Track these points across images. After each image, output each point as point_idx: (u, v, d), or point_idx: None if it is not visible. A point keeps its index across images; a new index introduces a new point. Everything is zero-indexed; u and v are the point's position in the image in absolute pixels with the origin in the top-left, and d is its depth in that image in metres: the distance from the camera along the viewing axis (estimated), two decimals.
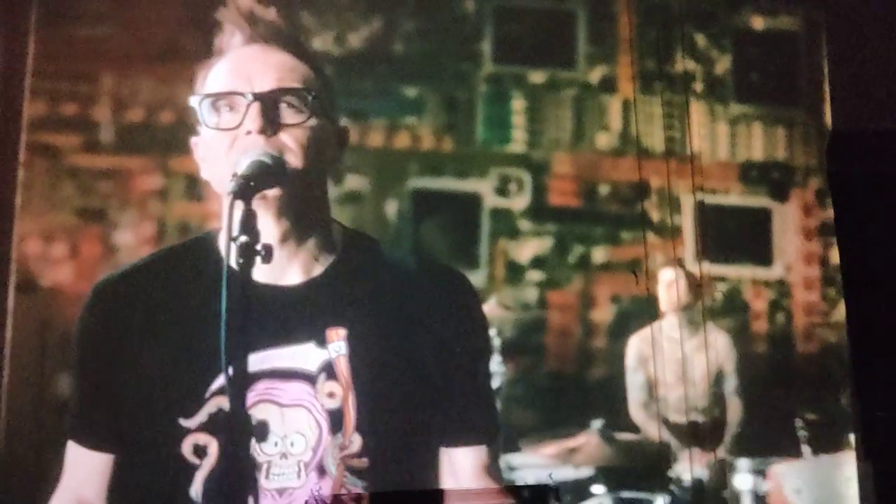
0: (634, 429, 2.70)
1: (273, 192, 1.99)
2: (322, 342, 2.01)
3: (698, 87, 3.01)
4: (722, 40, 3.04)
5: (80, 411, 2.11)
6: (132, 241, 2.69)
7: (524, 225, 2.89)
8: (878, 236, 2.71)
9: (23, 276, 2.64)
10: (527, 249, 2.87)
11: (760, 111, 3.01)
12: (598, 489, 2.50)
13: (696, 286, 2.78)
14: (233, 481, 1.42)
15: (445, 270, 2.48)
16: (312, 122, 2.12)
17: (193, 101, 2.21)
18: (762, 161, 2.98)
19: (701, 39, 3.05)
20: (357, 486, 2.00)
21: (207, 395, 1.97)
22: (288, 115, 2.10)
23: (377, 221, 2.81)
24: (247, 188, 1.76)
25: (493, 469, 2.13)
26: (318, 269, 2.10)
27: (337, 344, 2.01)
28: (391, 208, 2.84)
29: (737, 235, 2.92)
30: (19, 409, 2.49)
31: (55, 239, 2.71)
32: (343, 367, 2.01)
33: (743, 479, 2.54)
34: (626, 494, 2.51)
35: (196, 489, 1.96)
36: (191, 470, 1.98)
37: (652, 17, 3.04)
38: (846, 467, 2.43)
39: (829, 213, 2.95)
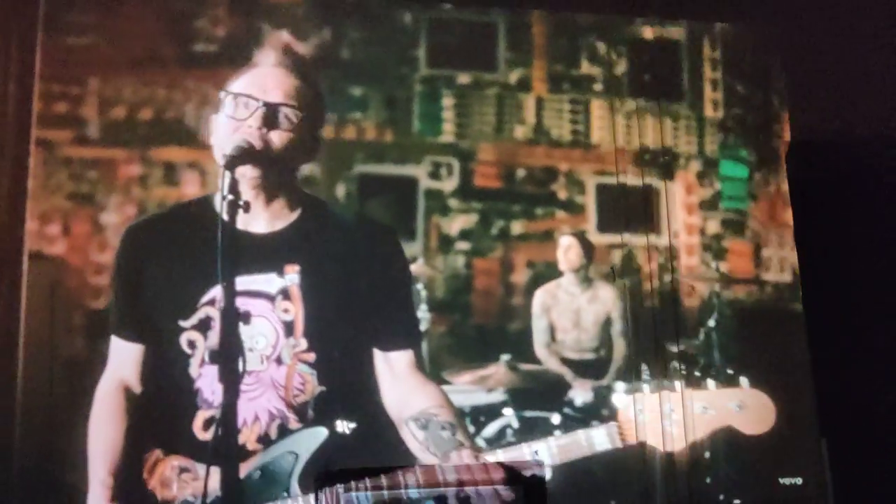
0: (538, 363, 3.22)
1: (251, 169, 2.54)
2: (281, 273, 2.65)
3: (599, 86, 3.50)
4: (619, 47, 3.52)
5: (118, 314, 2.76)
6: (117, 221, 3.08)
7: (453, 203, 3.35)
8: (833, 236, 2.92)
9: (32, 249, 3.05)
10: (456, 224, 3.34)
11: (651, 106, 3.48)
12: (507, 411, 3.03)
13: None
14: (227, 354, 1.93)
15: (377, 223, 3.10)
16: (297, 131, 2.73)
17: (222, 95, 2.79)
18: (652, 147, 3.45)
19: (601, 47, 3.52)
20: (306, 373, 2.64)
21: (199, 304, 2.63)
22: (283, 122, 2.69)
23: (329, 201, 3.20)
24: (232, 162, 2.29)
25: (420, 367, 2.76)
26: (282, 223, 2.73)
27: (292, 275, 2.64)
28: (340, 190, 3.28)
29: (632, 209, 3.40)
30: (34, 366, 2.93)
31: (51, 220, 3.09)
32: (295, 292, 2.63)
33: (619, 399, 3.09)
34: (528, 413, 3.04)
35: (194, 370, 2.63)
36: (186, 357, 2.65)
37: (560, 28, 3.52)
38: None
39: (707, 190, 3.46)
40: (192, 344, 2.64)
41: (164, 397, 2.68)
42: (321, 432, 2.57)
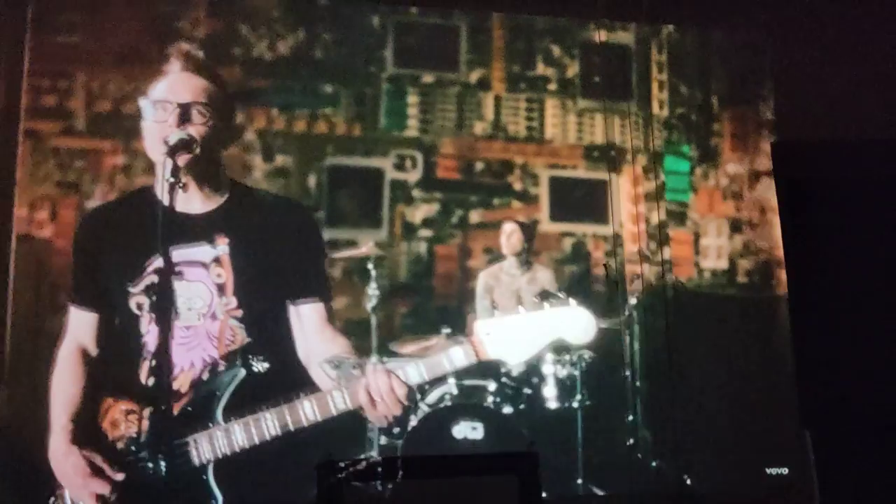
0: None
1: (188, 157, 2.85)
2: (214, 244, 2.99)
3: (553, 86, 3.75)
4: (572, 50, 3.77)
5: (75, 285, 3.07)
6: None
7: (417, 193, 3.60)
8: (819, 234, 2.86)
9: (21, 233, 3.29)
10: (419, 212, 3.59)
11: (601, 105, 3.72)
12: (450, 380, 3.30)
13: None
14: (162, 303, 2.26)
15: (292, 201, 3.43)
16: (211, 122, 2.98)
17: (142, 102, 3.06)
18: (602, 143, 3.70)
19: (556, 49, 3.77)
20: (236, 326, 2.98)
21: (145, 273, 2.94)
22: (197, 118, 2.96)
23: (301, 191, 3.51)
24: (173, 150, 2.69)
25: (331, 322, 3.07)
26: (213, 204, 3.04)
27: (223, 246, 3.00)
28: (312, 181, 3.53)
29: (581, 200, 3.67)
30: (20, 341, 3.20)
31: (39, 206, 3.32)
32: (226, 259, 2.99)
33: (546, 367, 3.40)
34: (467, 382, 3.32)
35: (143, 327, 2.95)
36: (137, 318, 2.96)
37: (518, 32, 3.77)
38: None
39: (652, 184, 3.72)
40: (139, 306, 2.95)
41: (116, 353, 2.98)
42: (240, 372, 2.90)
